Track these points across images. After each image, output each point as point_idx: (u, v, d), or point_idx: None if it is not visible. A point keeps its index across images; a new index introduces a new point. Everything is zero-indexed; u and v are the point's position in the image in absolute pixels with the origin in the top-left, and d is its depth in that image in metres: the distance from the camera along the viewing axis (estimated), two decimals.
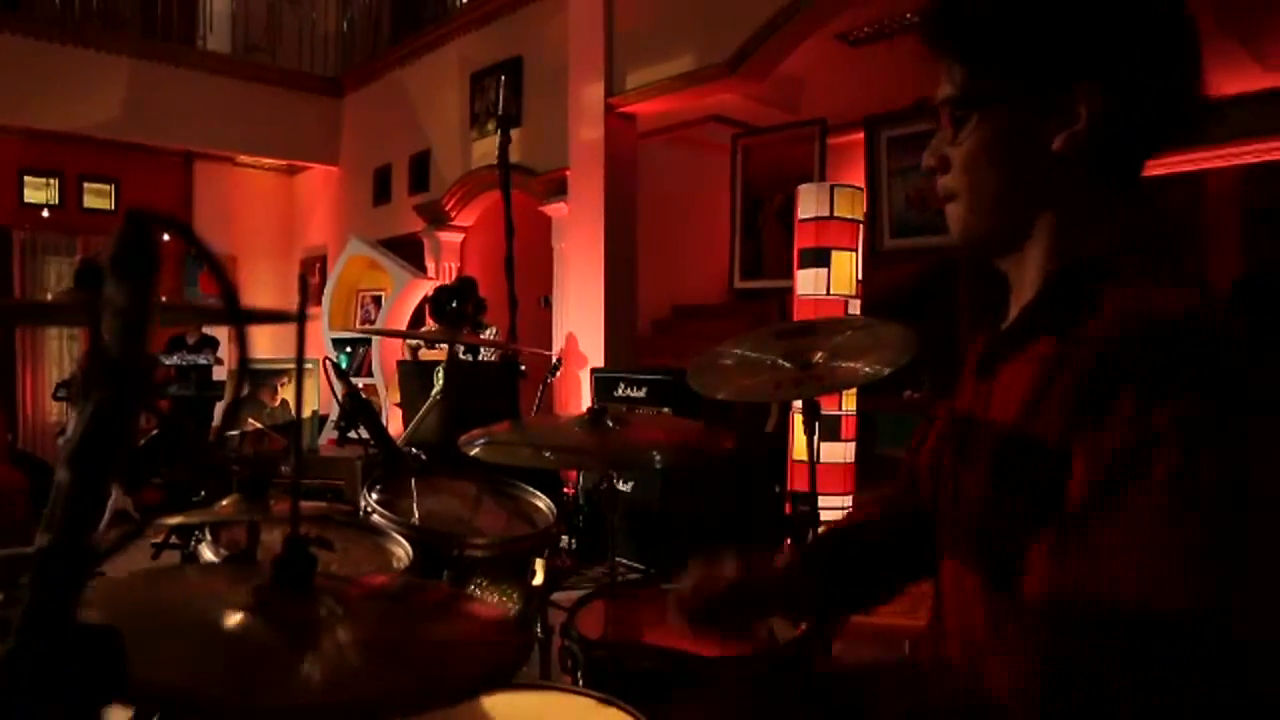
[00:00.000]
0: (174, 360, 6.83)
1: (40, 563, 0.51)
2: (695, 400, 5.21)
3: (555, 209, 6.21)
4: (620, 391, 4.94)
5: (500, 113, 2.03)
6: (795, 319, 2.83)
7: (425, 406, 2.14)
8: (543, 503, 1.71)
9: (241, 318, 0.55)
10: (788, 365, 1.90)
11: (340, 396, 1.74)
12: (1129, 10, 0.83)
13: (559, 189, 6.15)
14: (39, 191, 8.27)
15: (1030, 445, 0.82)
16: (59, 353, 8.39)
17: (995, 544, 0.87)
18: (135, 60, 7.71)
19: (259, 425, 3.51)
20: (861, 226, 2.79)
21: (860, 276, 2.76)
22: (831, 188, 2.76)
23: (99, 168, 8.54)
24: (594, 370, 5.26)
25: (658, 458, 1.89)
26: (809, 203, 2.78)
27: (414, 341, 5.95)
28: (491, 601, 1.43)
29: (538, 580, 1.52)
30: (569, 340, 5.95)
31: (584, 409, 2.02)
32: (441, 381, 2.05)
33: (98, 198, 8.68)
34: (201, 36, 8.87)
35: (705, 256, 7.96)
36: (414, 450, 1.91)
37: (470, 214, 7.26)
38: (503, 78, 1.79)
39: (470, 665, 0.66)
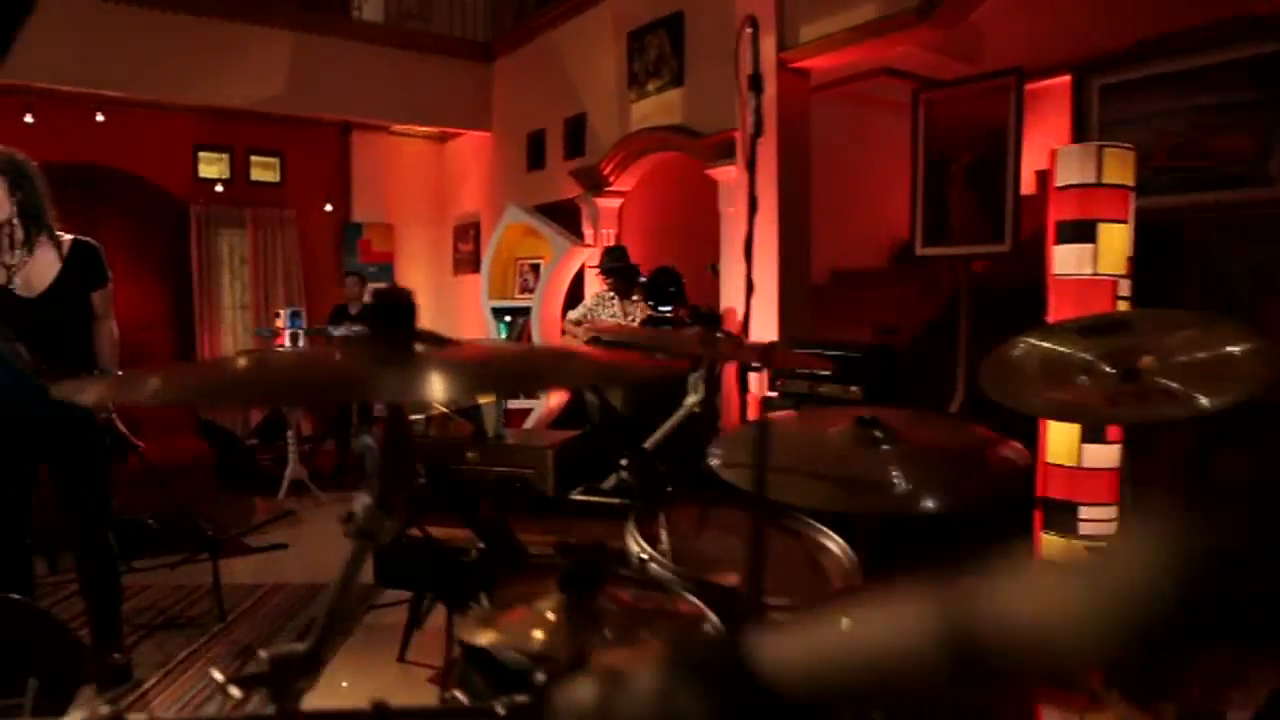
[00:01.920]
0: (341, 331, 6.93)
1: None
2: (885, 379, 4.84)
3: (722, 172, 5.92)
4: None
5: (752, 72, 1.76)
6: (1052, 303, 2.48)
7: (678, 416, 1.90)
8: (834, 543, 1.46)
9: None
10: (1109, 371, 1.58)
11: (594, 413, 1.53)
12: None
13: (726, 151, 5.85)
14: (212, 166, 8.55)
15: None
16: (233, 321, 8.71)
17: None
18: (296, 33, 7.80)
19: (444, 409, 3.39)
20: (1132, 194, 2.40)
21: (1132, 253, 2.38)
22: (1100, 148, 2.37)
23: (265, 141, 8.76)
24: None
25: (934, 499, 1.55)
26: (1070, 166, 2.40)
27: (579, 322, 5.80)
28: None
29: None
30: (729, 313, 5.67)
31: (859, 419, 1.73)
32: (701, 390, 1.80)
33: (264, 170, 8.92)
34: (357, 7, 8.94)
35: (868, 220, 7.54)
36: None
37: (629, 179, 7.04)
38: (749, 30, 1.54)
39: None
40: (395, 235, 9.54)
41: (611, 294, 5.63)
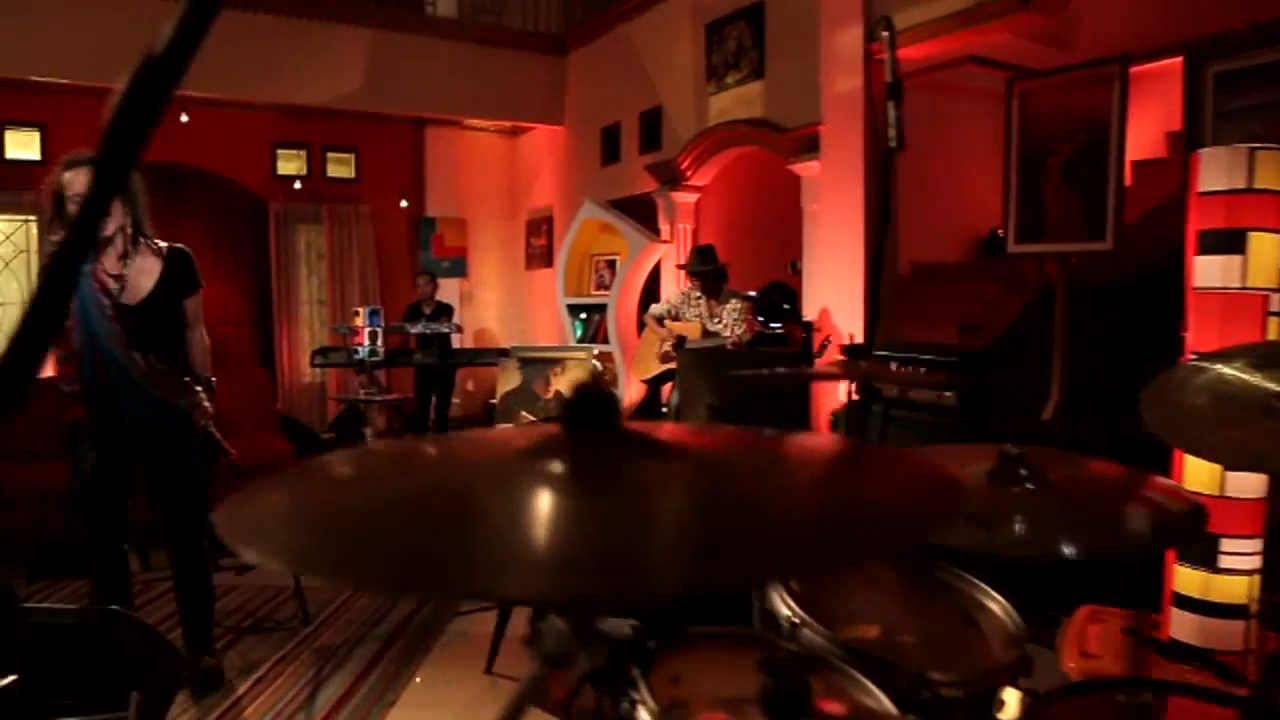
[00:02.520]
0: (419, 329, 6.95)
1: None
2: (980, 384, 4.65)
3: (805, 167, 5.75)
4: (892, 370, 4.50)
5: (891, 79, 1.64)
6: (1191, 319, 2.30)
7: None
8: (995, 602, 1.34)
9: None
10: None
11: None
12: None
13: (809, 146, 5.68)
14: (290, 163, 8.64)
15: None
16: (310, 317, 8.81)
17: None
18: (372, 30, 7.82)
19: (532, 419, 3.33)
20: None
21: None
22: (1251, 150, 2.19)
23: (340, 138, 8.83)
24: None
25: (1074, 548, 1.40)
26: (1216, 170, 2.22)
27: (662, 318, 5.68)
28: None
29: (1008, 715, 1.16)
30: (822, 315, 5.50)
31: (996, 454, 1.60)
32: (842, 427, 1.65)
33: (340, 166, 8.99)
34: (430, 2, 8.94)
35: (949, 211, 7.33)
36: None
37: (707, 173, 6.91)
38: (885, 34, 1.42)
39: None
40: (468, 230, 9.55)
41: (699, 294, 5.48)
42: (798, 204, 5.90)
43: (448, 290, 8.77)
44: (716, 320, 5.33)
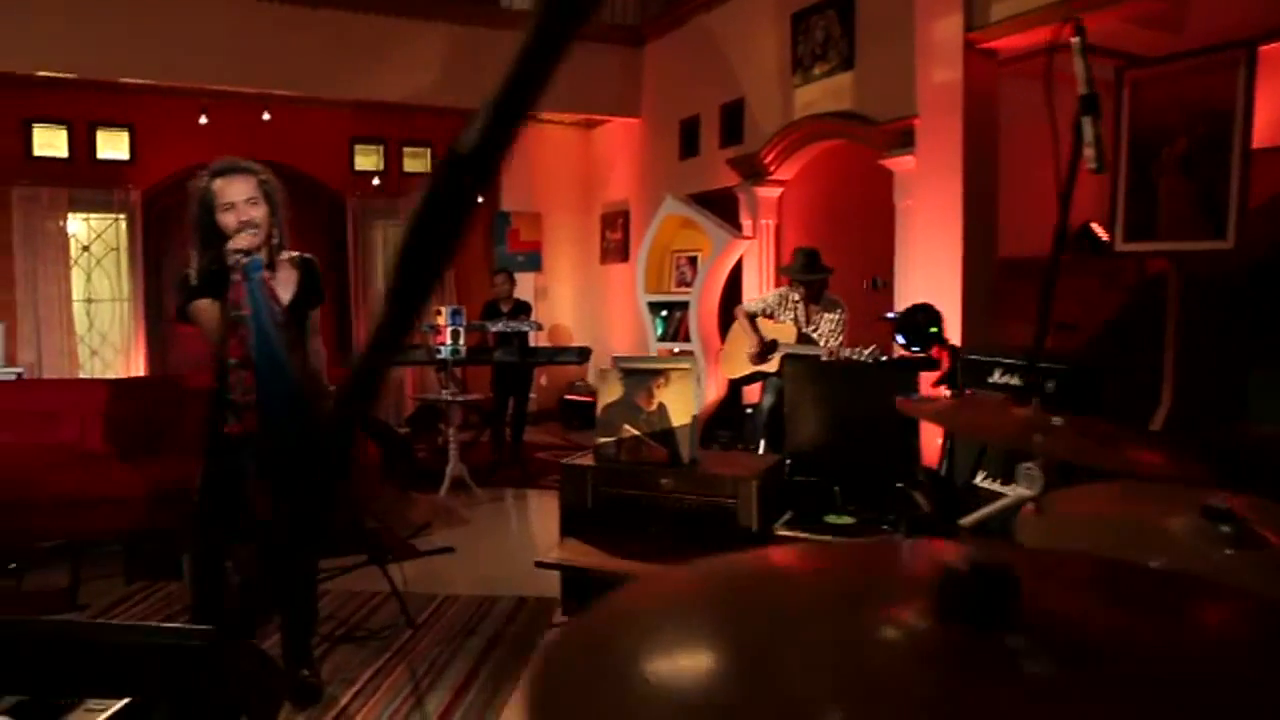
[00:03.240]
0: (499, 327, 6.91)
1: None
2: (1092, 396, 4.41)
3: (898, 162, 5.55)
4: (995, 378, 4.29)
5: (1086, 91, 1.48)
6: None
7: (1001, 505, 1.62)
8: None
9: None
10: None
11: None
12: None
13: (903, 140, 5.48)
14: (367, 159, 8.69)
15: None
16: None
17: None
18: (448, 25, 7.79)
19: (635, 432, 3.22)
20: None
21: None
22: None
23: (417, 133, 8.85)
24: (959, 351, 4.62)
25: None
26: None
27: (755, 315, 5.46)
28: None
29: None
30: None
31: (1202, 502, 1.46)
32: (1039, 483, 1.49)
33: (415, 161, 9.02)
34: None
35: (1037, 203, 7.02)
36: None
37: (791, 167, 6.73)
38: (1075, 40, 1.33)
39: None
40: (543, 224, 9.51)
41: (798, 297, 5.23)
42: (888, 200, 5.71)
43: (522, 285, 8.74)
44: (813, 327, 5.14)
